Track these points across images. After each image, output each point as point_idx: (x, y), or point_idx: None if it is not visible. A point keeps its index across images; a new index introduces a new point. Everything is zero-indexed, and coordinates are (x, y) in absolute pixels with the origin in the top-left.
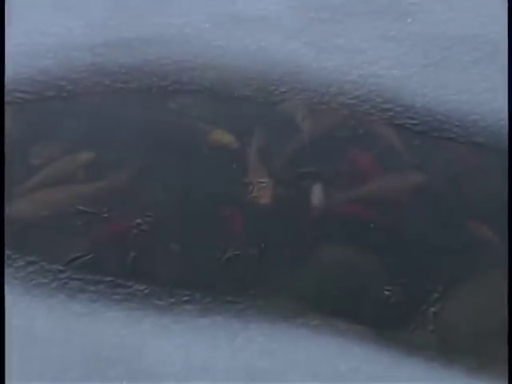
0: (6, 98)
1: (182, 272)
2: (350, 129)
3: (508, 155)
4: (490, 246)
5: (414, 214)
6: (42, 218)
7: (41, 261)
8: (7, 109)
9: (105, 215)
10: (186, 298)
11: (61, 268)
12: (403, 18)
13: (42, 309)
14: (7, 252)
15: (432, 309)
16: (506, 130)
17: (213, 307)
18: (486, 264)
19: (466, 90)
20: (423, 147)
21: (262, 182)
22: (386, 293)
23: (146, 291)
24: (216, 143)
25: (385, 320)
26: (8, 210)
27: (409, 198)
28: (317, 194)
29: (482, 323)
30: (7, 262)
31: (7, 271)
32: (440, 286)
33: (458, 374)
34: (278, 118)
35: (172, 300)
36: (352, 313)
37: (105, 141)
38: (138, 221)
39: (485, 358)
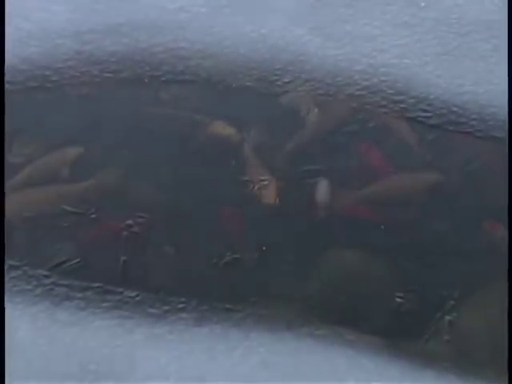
0: None
1: (177, 277)
2: (358, 122)
3: (508, 154)
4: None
5: (428, 214)
6: (24, 219)
7: (24, 265)
8: None
9: (93, 216)
10: (180, 306)
11: (45, 273)
12: (416, 3)
13: (25, 318)
14: None
15: (447, 317)
16: None
17: (210, 316)
18: (505, 269)
19: (484, 80)
20: (438, 142)
21: (263, 180)
22: (398, 300)
23: (138, 298)
24: (216, 136)
25: (396, 329)
26: None
27: (422, 197)
28: (322, 191)
29: (501, 332)
30: None
31: None
32: (456, 292)
33: None
34: (281, 111)
35: (166, 308)
36: (361, 322)
37: (93, 135)
38: (129, 222)
39: (504, 370)
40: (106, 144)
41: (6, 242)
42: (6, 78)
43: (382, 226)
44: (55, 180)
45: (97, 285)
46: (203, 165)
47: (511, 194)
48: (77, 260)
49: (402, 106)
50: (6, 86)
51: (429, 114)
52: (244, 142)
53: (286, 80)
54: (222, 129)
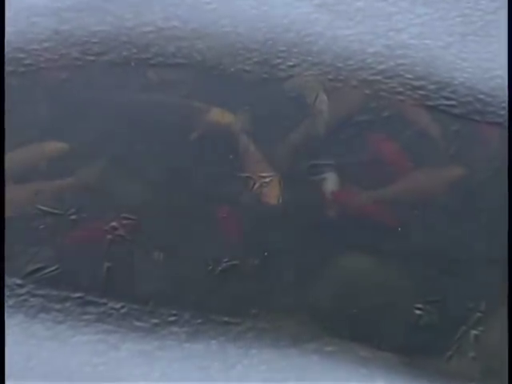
0: None
1: (168, 287)
2: (372, 112)
3: (508, 152)
4: None
5: (451, 216)
6: None
7: None
8: None
9: (73, 217)
10: (172, 319)
11: (19, 282)
12: None
13: None
14: None
15: (473, 331)
16: None
17: (205, 330)
18: None
19: None
20: (462, 134)
21: (264, 177)
22: (417, 312)
23: (123, 310)
24: (212, 126)
25: (415, 345)
26: None
27: (444, 197)
28: (331, 190)
29: None
30: None
31: None
32: (483, 303)
33: None
34: (285, 98)
35: (155, 321)
36: (376, 337)
37: (73, 126)
38: (114, 224)
39: None
40: (88, 136)
41: None
42: None
43: (399, 229)
44: (31, 177)
45: (77, 295)
46: (198, 159)
47: (511, 194)
48: (55, 267)
49: (422, 92)
50: None
51: (452, 102)
52: (243, 134)
53: (291, 63)
54: (221, 116)
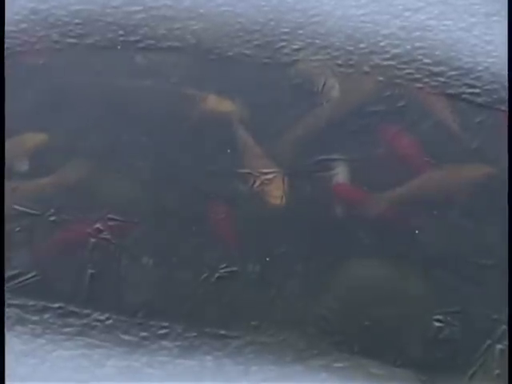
0: None
1: (159, 296)
2: (386, 101)
3: (508, 148)
4: None
5: (474, 218)
6: None
7: None
8: None
9: (52, 218)
10: (163, 332)
11: None
12: None
13: None
14: None
15: (498, 346)
16: None
17: (200, 344)
18: None
19: None
20: (487, 126)
21: (266, 173)
22: (436, 324)
23: (109, 322)
24: (208, 115)
25: (434, 361)
26: None
27: (467, 197)
28: (340, 184)
29: None
30: None
31: None
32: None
33: None
34: (290, 86)
35: (144, 334)
36: (390, 351)
37: (53, 117)
38: (98, 226)
39: None
40: (70, 127)
41: None
42: None
43: (417, 231)
44: (6, 173)
45: (57, 305)
46: (192, 153)
47: (511, 191)
48: (32, 274)
49: (442, 79)
50: None
51: (476, 91)
52: (242, 125)
53: (296, 47)
54: (218, 105)
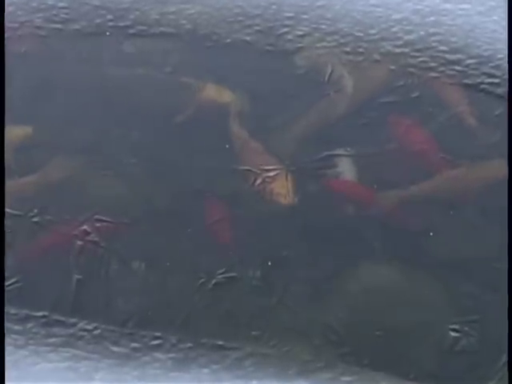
0: None
1: (151, 304)
2: (398, 92)
3: (508, 144)
4: None
5: (493, 220)
6: None
7: None
8: None
9: (35, 219)
10: (155, 343)
11: None
12: None
13: None
14: None
15: None
16: None
17: (195, 356)
18: None
19: None
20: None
21: (269, 170)
22: (453, 334)
23: (97, 332)
24: (207, 106)
25: (451, 374)
26: None
27: (485, 197)
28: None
29: None
30: None
31: None
32: None
33: None
34: (293, 75)
35: (135, 345)
36: (402, 364)
37: (36, 110)
38: (85, 227)
39: None
40: (54, 121)
41: None
42: None
43: (431, 233)
44: None
45: (41, 314)
46: (187, 148)
47: (511, 189)
48: (13, 280)
49: (459, 68)
50: None
51: (495, 80)
52: (242, 118)
53: (300, 33)
54: (217, 95)
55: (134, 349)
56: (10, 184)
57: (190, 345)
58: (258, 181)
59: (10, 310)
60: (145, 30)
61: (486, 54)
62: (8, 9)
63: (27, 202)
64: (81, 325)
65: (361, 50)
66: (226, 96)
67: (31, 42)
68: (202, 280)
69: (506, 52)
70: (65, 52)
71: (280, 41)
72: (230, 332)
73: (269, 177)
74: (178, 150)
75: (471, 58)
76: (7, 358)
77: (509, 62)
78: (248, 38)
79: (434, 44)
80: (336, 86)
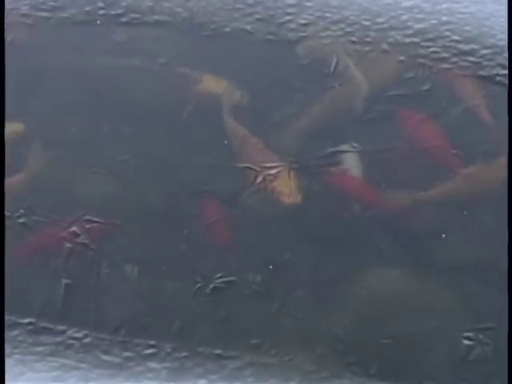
0: None
1: (144, 310)
2: (408, 84)
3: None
4: None
5: (509, 220)
6: None
7: None
8: None
9: (21, 220)
10: (149, 351)
11: None
12: None
13: None
14: None
15: None
16: None
17: (192, 366)
18: None
19: None
20: None
21: (270, 168)
22: (466, 342)
23: (87, 340)
24: (204, 98)
25: None
26: None
27: (501, 197)
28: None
29: None
30: None
31: None
32: None
33: None
34: (296, 66)
35: (128, 354)
36: (413, 374)
37: (22, 103)
38: (74, 229)
39: None
40: (42, 115)
41: None
42: None
43: (443, 235)
44: None
45: (27, 321)
46: (183, 144)
47: (511, 187)
48: None
49: (473, 59)
50: None
51: None
52: (242, 111)
53: (304, 21)
54: (215, 86)
55: (127, 358)
56: None
57: (185, 354)
58: (259, 179)
59: None
60: (138, 18)
61: (501, 43)
62: None
63: (13, 202)
64: (70, 332)
65: (368, 39)
66: (224, 88)
67: (17, 30)
68: (199, 285)
69: None
70: (53, 42)
71: (282, 30)
72: (228, 340)
73: (270, 174)
74: (173, 145)
75: (486, 48)
76: None
77: (509, 62)
78: (248, 27)
79: (446, 33)
80: (341, 78)
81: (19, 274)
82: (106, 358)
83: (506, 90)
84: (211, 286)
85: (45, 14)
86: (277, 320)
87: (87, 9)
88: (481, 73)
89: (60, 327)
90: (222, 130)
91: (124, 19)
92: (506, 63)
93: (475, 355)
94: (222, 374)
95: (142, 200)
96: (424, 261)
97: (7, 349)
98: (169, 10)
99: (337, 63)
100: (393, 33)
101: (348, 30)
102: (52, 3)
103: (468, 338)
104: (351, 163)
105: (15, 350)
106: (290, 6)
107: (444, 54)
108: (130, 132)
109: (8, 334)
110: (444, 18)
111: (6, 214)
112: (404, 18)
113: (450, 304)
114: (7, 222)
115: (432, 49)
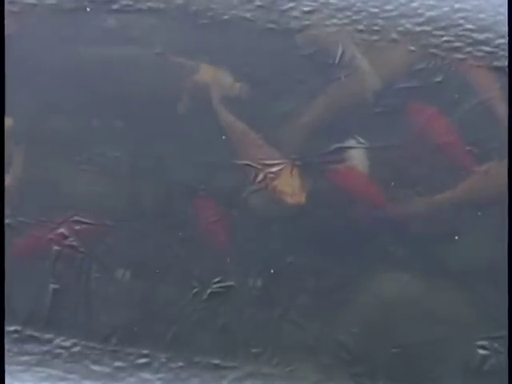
0: None
1: (137, 317)
2: (419, 76)
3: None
4: None
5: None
6: None
7: None
8: None
9: (6, 221)
10: (142, 361)
11: None
12: None
13: None
14: None
15: None
16: None
17: (188, 376)
18: None
19: None
20: None
21: (271, 165)
22: (480, 351)
23: (76, 349)
24: (202, 89)
25: None
26: None
27: None
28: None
29: None
30: None
31: None
32: None
33: None
34: (299, 57)
35: (119, 364)
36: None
37: (9, 96)
38: (62, 230)
39: None
40: (27, 107)
41: None
42: None
43: (456, 237)
44: None
45: (12, 328)
46: (178, 139)
47: (511, 187)
48: None
49: (488, 49)
50: None
51: None
52: (241, 104)
53: (307, 9)
54: (213, 77)
55: (118, 368)
56: None
57: (181, 364)
58: (259, 177)
59: None
60: (130, 5)
61: None
62: None
63: None
64: (57, 341)
65: (376, 27)
66: (222, 80)
67: (5, 20)
68: (196, 290)
69: None
70: (40, 30)
71: (284, 18)
72: (226, 349)
73: (271, 172)
74: (167, 141)
75: (501, 37)
76: None
77: (509, 61)
78: (248, 15)
79: (459, 21)
80: (347, 70)
81: (5, 278)
82: (96, 368)
83: None
84: (208, 291)
85: (31, 0)
86: (278, 328)
87: None
88: (496, 63)
89: (47, 335)
90: (220, 124)
91: (115, 6)
92: None
93: (490, 365)
94: None
95: (135, 200)
96: (435, 265)
97: None
98: None
99: (342, 53)
100: (403, 21)
101: (355, 17)
102: None
103: (482, 347)
104: (358, 160)
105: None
106: None
107: (457, 44)
108: (121, 127)
109: None
110: (457, 5)
111: None
112: (414, 4)
113: (464, 311)
114: None
115: (444, 38)
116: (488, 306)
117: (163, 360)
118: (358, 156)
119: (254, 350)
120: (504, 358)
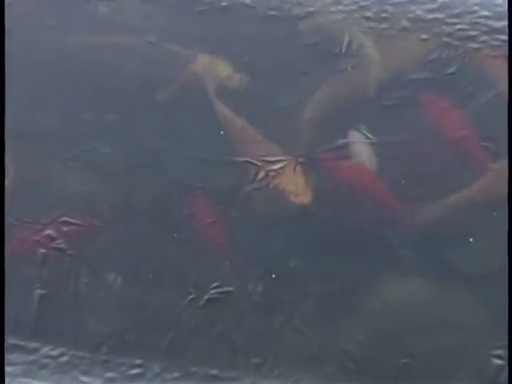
0: None
1: (129, 325)
2: (431, 67)
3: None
4: None
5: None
6: None
7: None
8: None
9: None
10: (135, 372)
11: None
12: None
13: None
14: None
15: None
16: None
17: None
18: None
19: None
20: None
21: (272, 162)
22: (496, 361)
23: (64, 359)
24: (199, 80)
25: None
26: None
27: None
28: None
29: None
30: None
31: None
32: None
33: None
34: (303, 46)
35: (110, 375)
36: None
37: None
38: (50, 232)
39: None
40: (14, 99)
41: None
42: None
43: (471, 239)
44: None
45: None
46: (173, 134)
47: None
48: None
49: (504, 37)
50: None
51: None
52: (240, 97)
53: None
54: (211, 67)
55: (110, 379)
56: None
57: (177, 374)
58: (260, 175)
59: None
60: None
61: None
62: None
63: None
64: (44, 350)
65: (385, 15)
66: (219, 70)
67: None
68: (192, 296)
69: None
70: (26, 18)
71: (286, 4)
72: (225, 359)
73: (273, 170)
74: (162, 136)
75: None
76: None
77: (509, 61)
78: (247, 1)
79: (474, 8)
80: (355, 60)
81: None
82: (85, 379)
83: None
84: (206, 296)
85: None
86: (281, 336)
87: None
88: None
89: (33, 344)
90: (218, 118)
91: None
92: None
93: (507, 377)
94: None
95: (127, 199)
96: (448, 268)
97: None
98: None
99: (349, 42)
100: (413, 7)
101: (362, 3)
102: None
103: (498, 357)
104: (365, 157)
105: None
106: None
107: (472, 32)
108: (113, 121)
109: None
110: None
111: None
112: None
113: (478, 317)
114: None
115: (458, 26)
116: (504, 313)
117: (157, 370)
118: (365, 152)
119: (254, 360)
120: None
